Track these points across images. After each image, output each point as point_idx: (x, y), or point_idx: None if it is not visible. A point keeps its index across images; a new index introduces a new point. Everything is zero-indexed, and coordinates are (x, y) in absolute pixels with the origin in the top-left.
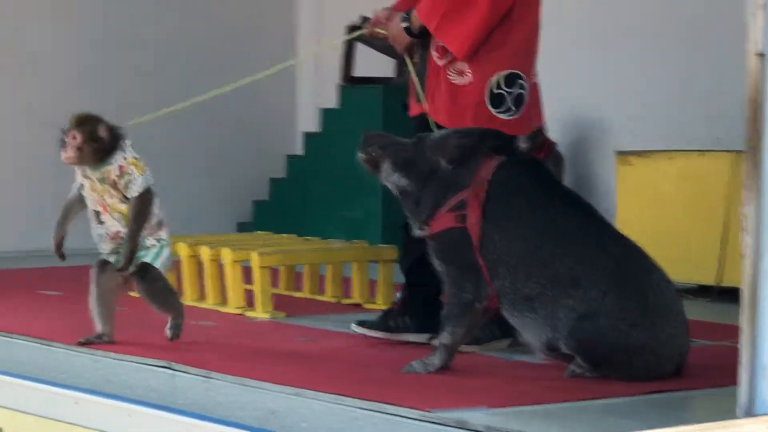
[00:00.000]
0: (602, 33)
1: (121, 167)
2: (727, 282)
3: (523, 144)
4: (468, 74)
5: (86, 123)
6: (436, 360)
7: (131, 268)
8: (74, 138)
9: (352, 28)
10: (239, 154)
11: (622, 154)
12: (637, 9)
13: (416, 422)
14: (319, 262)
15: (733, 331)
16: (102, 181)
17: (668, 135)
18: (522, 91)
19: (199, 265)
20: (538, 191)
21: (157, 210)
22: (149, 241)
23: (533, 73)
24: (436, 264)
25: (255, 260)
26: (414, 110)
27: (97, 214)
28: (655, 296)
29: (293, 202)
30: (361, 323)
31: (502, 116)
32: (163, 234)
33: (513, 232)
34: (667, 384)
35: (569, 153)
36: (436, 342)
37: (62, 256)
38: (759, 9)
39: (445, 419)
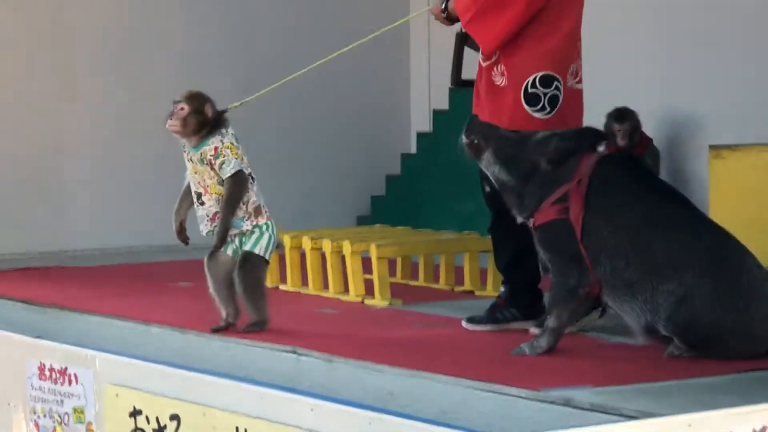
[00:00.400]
0: (695, 35)
1: (216, 148)
2: None
3: (621, 141)
4: (506, 74)
5: (195, 98)
6: (543, 342)
7: (237, 257)
8: (182, 109)
9: (462, 37)
10: (358, 153)
11: (715, 148)
12: (731, 11)
13: (526, 401)
14: (432, 253)
15: None
16: (201, 161)
17: (758, 129)
18: (557, 92)
19: (321, 257)
20: (635, 184)
21: (254, 197)
22: (246, 225)
23: (573, 77)
24: (542, 253)
25: (374, 251)
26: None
27: (199, 195)
28: (749, 280)
29: (408, 196)
30: (470, 320)
31: (537, 115)
32: (262, 220)
33: (613, 222)
34: (764, 363)
35: (664, 148)
36: (535, 330)
37: (185, 240)
38: None
39: (552, 398)
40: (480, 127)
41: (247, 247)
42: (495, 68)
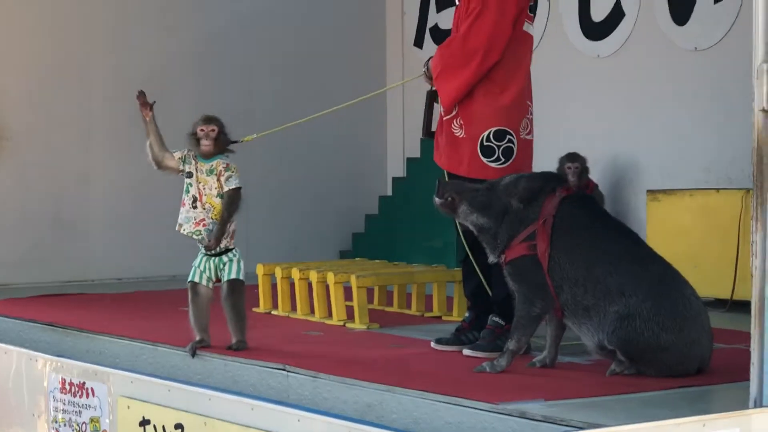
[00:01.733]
0: (635, 93)
1: (227, 164)
2: (738, 296)
3: (572, 178)
4: (464, 127)
5: (219, 120)
6: (503, 362)
7: (223, 283)
8: (213, 130)
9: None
10: (341, 195)
11: (652, 192)
12: (667, 73)
13: (486, 413)
14: (405, 283)
15: (744, 337)
16: (210, 172)
17: (690, 176)
18: (511, 144)
19: (308, 286)
20: (592, 223)
21: (235, 221)
22: (224, 243)
23: (524, 130)
24: (511, 284)
25: (354, 281)
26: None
27: (195, 199)
28: (685, 307)
29: (384, 234)
30: (438, 341)
31: (493, 165)
32: (232, 244)
33: (575, 256)
34: (693, 380)
35: (608, 192)
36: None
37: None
38: (763, 73)
39: (509, 410)
40: (451, 185)
41: (233, 275)
42: (455, 121)
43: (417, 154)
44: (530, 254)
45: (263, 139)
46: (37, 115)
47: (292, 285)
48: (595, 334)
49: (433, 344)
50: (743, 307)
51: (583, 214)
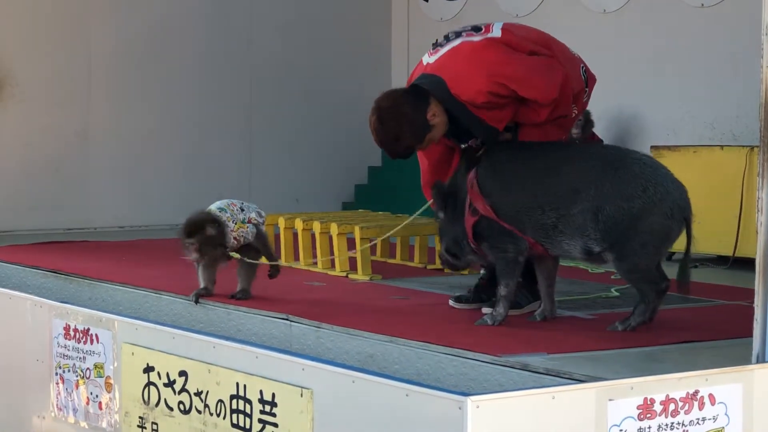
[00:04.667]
0: (644, 49)
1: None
2: (740, 253)
3: (574, 129)
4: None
5: (200, 230)
6: (500, 309)
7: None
8: (192, 245)
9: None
10: (344, 147)
11: (656, 148)
12: (675, 32)
13: (488, 365)
14: (408, 235)
15: (747, 293)
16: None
17: (695, 133)
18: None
19: (311, 237)
20: (507, 156)
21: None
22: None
23: None
24: (484, 247)
25: (357, 233)
26: None
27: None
28: (640, 167)
29: (387, 185)
30: (458, 299)
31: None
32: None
33: (513, 189)
34: (695, 335)
35: None
36: (486, 309)
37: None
38: None
39: (512, 362)
40: (439, 197)
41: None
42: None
43: None
44: (476, 218)
45: (269, 97)
46: (39, 67)
47: (295, 235)
48: (575, 244)
49: (451, 302)
50: (745, 264)
51: (494, 158)
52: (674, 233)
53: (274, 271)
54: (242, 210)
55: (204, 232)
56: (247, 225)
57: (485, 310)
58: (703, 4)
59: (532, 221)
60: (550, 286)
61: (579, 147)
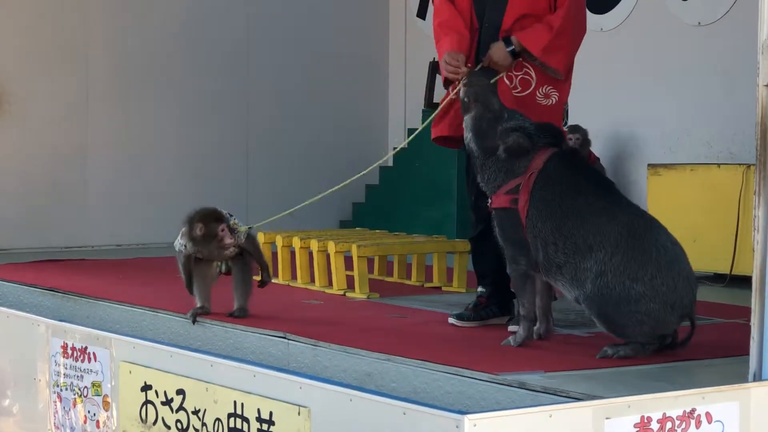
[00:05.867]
0: (640, 68)
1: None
2: (737, 271)
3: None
4: (555, 96)
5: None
6: (521, 331)
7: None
8: (223, 230)
9: (434, 66)
10: (342, 164)
11: (653, 167)
12: (670, 50)
13: (486, 383)
14: (406, 253)
15: (743, 311)
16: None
17: (692, 151)
18: (567, 107)
19: (309, 255)
20: (571, 178)
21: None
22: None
23: None
24: (498, 234)
25: (355, 251)
26: (436, 134)
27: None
28: (658, 254)
29: (385, 204)
30: (459, 317)
31: (563, 128)
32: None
33: (547, 213)
34: (692, 354)
35: (609, 165)
36: (513, 328)
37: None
38: (767, 48)
39: (509, 381)
40: (475, 88)
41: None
42: (539, 90)
43: (418, 124)
44: (512, 208)
45: (264, 109)
46: (37, 85)
47: (293, 253)
48: (571, 291)
49: (451, 320)
50: (742, 281)
51: (563, 170)
52: (671, 325)
53: (266, 276)
54: (230, 215)
55: (225, 218)
56: (239, 224)
57: (512, 328)
58: (699, 23)
59: (544, 251)
60: (547, 306)
61: (618, 203)
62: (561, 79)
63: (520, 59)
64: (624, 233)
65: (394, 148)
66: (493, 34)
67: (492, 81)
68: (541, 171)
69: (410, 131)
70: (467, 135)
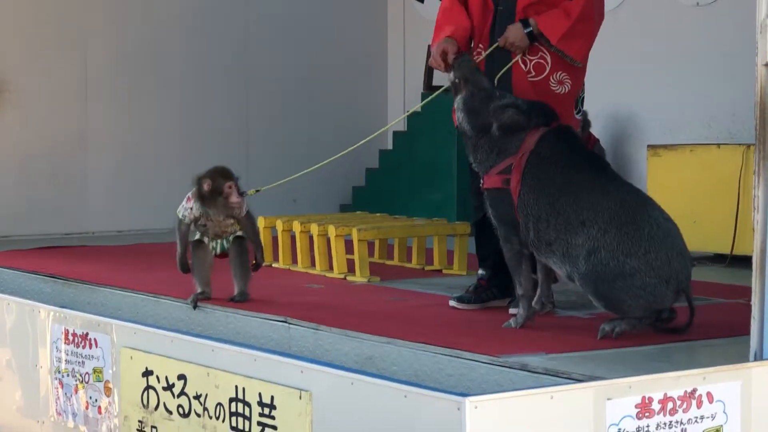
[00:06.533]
0: (639, 49)
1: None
2: (738, 251)
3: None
4: (568, 83)
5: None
6: (521, 310)
7: (230, 238)
8: (236, 183)
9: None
10: (342, 148)
11: (653, 147)
12: (670, 32)
13: (487, 365)
14: (406, 236)
15: (744, 291)
16: (227, 216)
17: (691, 131)
18: (583, 95)
19: (309, 239)
20: (564, 157)
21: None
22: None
23: None
24: (491, 215)
25: (355, 235)
26: None
27: (216, 234)
28: (651, 228)
29: (385, 187)
30: (459, 300)
31: (576, 116)
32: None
33: (538, 190)
34: (693, 334)
35: (609, 146)
36: (513, 310)
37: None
38: (766, 28)
39: (511, 363)
40: (464, 69)
41: (238, 233)
42: (552, 77)
43: (418, 108)
44: (504, 188)
45: (263, 96)
46: (36, 73)
47: (293, 238)
48: (562, 267)
49: (452, 302)
50: (743, 262)
51: (557, 149)
52: (668, 300)
53: (260, 258)
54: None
55: (234, 177)
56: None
57: (513, 310)
58: (698, 3)
59: (535, 229)
60: (548, 274)
61: (611, 181)
62: (578, 66)
63: (536, 43)
64: (617, 209)
65: (407, 111)
66: (507, 17)
67: (508, 65)
68: (533, 150)
69: (410, 115)
70: (459, 115)
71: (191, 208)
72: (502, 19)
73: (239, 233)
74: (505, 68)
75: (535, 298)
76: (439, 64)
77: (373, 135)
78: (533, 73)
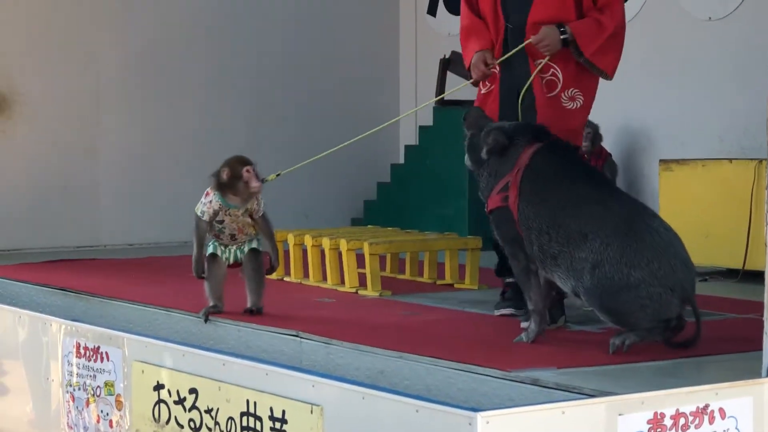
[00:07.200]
0: (651, 63)
1: (258, 198)
2: (750, 266)
3: (584, 142)
4: (580, 99)
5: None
6: (532, 325)
7: (246, 249)
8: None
9: (445, 62)
10: (353, 163)
11: (665, 162)
12: (680, 45)
13: (498, 380)
14: (418, 250)
15: (756, 306)
16: (245, 212)
17: (703, 146)
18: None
19: (321, 253)
20: (561, 169)
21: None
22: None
23: None
24: (496, 235)
25: (366, 249)
26: None
27: (232, 235)
28: (652, 239)
29: (396, 201)
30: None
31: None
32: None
33: (538, 204)
34: (705, 350)
35: (620, 160)
36: (525, 324)
37: (203, 274)
38: None
39: (522, 377)
40: (472, 119)
41: (253, 245)
42: (564, 93)
43: (429, 122)
44: (504, 206)
45: (275, 108)
46: (48, 85)
47: (305, 252)
48: (567, 281)
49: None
50: (755, 277)
51: (552, 162)
52: (674, 309)
53: (275, 261)
54: None
55: (252, 162)
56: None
57: (524, 324)
58: (710, 18)
59: (539, 243)
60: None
61: (610, 191)
62: (590, 82)
63: (551, 58)
64: (618, 221)
65: (433, 100)
66: (518, 36)
67: (537, 67)
68: (528, 165)
69: (421, 128)
70: (465, 157)
71: (210, 201)
72: (512, 39)
73: (254, 245)
74: (526, 85)
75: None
76: (481, 71)
77: (393, 121)
78: (545, 90)
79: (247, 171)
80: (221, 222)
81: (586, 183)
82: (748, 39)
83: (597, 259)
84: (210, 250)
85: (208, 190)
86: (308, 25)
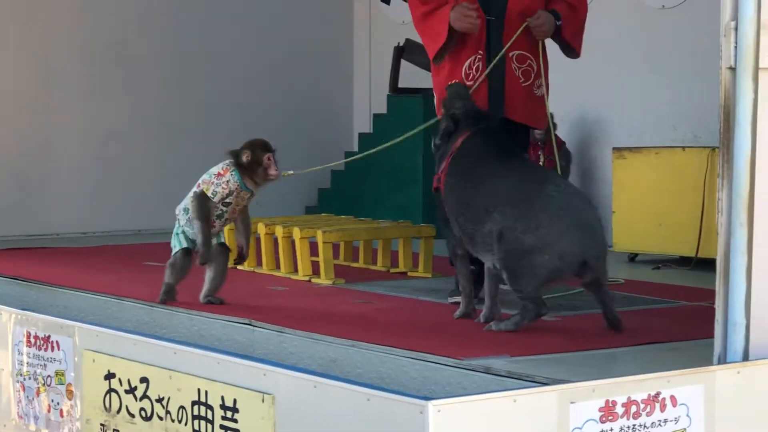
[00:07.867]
0: (606, 52)
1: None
2: (703, 254)
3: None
4: (544, 87)
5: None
6: (461, 306)
7: (216, 242)
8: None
9: (399, 50)
10: (307, 150)
11: (618, 150)
12: (635, 34)
13: (451, 368)
14: (371, 239)
15: (708, 294)
16: (250, 197)
17: (656, 134)
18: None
19: (274, 241)
20: (481, 152)
21: None
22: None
23: None
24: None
25: (320, 237)
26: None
27: (227, 219)
28: (543, 203)
29: (350, 189)
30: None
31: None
32: None
33: (454, 187)
34: (657, 336)
35: (574, 149)
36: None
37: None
38: (730, 31)
39: (474, 365)
40: (448, 95)
41: (222, 239)
42: (537, 81)
43: (383, 110)
44: (437, 187)
45: (228, 95)
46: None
47: (258, 240)
48: (488, 259)
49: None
50: (708, 264)
51: (476, 146)
52: (566, 274)
53: (246, 252)
54: None
55: (273, 149)
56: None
57: (451, 299)
58: (663, 6)
59: (458, 224)
60: (494, 289)
61: (516, 167)
62: (547, 72)
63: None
64: (512, 190)
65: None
66: (499, 26)
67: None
68: (458, 149)
69: (375, 116)
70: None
71: (227, 181)
72: (495, 28)
73: (222, 240)
74: (497, 57)
75: (484, 312)
76: (469, 20)
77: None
78: (522, 79)
79: (268, 159)
80: (228, 204)
81: (494, 161)
82: (701, 27)
83: (498, 230)
84: (184, 244)
85: (220, 171)
86: (262, 13)
